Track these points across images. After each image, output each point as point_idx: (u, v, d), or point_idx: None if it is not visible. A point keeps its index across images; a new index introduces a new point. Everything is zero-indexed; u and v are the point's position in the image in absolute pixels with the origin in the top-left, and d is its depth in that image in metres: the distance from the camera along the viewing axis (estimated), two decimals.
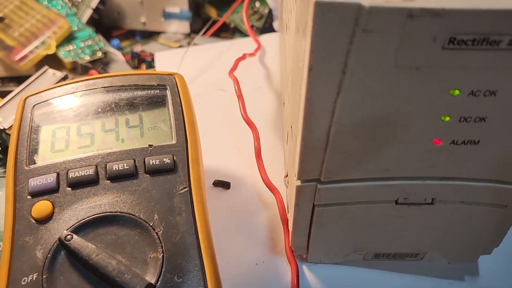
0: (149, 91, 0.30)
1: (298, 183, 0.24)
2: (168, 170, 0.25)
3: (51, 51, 0.53)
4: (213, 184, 0.32)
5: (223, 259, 0.28)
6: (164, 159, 0.26)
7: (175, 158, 0.26)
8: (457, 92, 0.20)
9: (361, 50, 0.18)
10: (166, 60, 0.45)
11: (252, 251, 0.29)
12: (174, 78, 0.30)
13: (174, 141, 0.27)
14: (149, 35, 0.65)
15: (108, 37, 0.62)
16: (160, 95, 0.29)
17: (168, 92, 0.29)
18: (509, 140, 0.22)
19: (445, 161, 0.23)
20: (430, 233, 0.27)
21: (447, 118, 0.21)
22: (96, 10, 0.59)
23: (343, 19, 0.18)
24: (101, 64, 0.56)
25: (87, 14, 0.60)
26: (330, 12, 0.18)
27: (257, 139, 0.31)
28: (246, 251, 0.29)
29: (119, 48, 0.62)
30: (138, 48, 0.61)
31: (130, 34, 0.67)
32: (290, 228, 0.27)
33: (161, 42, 0.63)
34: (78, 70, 0.55)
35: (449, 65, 0.19)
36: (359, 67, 0.19)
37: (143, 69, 0.57)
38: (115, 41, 0.62)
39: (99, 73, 0.55)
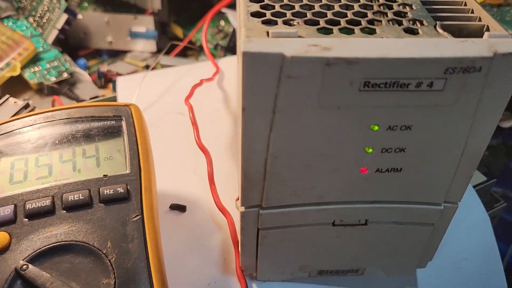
0: (105, 122, 0.31)
1: (242, 209, 0.26)
2: (121, 199, 0.27)
3: (16, 72, 0.53)
4: (170, 207, 0.34)
5: (177, 280, 0.30)
6: (118, 189, 0.27)
7: (128, 187, 0.28)
8: (376, 127, 0.22)
9: (288, 93, 0.21)
10: (127, 84, 0.46)
11: (205, 271, 0.30)
12: (130, 109, 0.32)
13: (128, 171, 0.28)
14: (116, 54, 0.66)
15: (74, 57, 0.63)
16: (115, 126, 0.31)
17: (124, 123, 0.31)
18: (427, 167, 0.24)
19: (373, 187, 0.25)
20: (367, 250, 0.29)
21: (370, 150, 0.23)
22: (62, 30, 0.60)
23: (269, 67, 0.20)
24: (68, 84, 0.57)
25: (52, 34, 0.60)
26: (258, 61, 0.20)
27: (210, 164, 0.33)
28: (199, 272, 0.30)
29: (86, 68, 0.62)
30: (104, 67, 0.62)
31: (97, 53, 0.68)
32: (240, 250, 0.28)
33: (127, 61, 0.65)
34: (44, 91, 0.55)
35: (366, 105, 0.21)
36: (287, 107, 0.21)
37: (110, 88, 0.58)
38: (82, 61, 0.63)
39: (65, 94, 0.55)
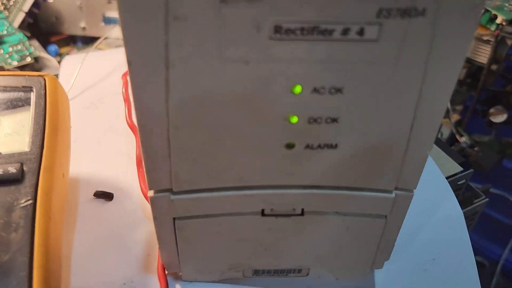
0: (12, 94, 0.27)
1: (151, 193, 0.21)
2: (12, 181, 0.23)
3: None
4: (94, 195, 0.30)
5: (88, 278, 0.25)
6: (9, 168, 0.23)
7: (24, 168, 0.23)
8: (298, 89, 0.17)
9: (179, 41, 0.16)
10: (73, 62, 0.42)
11: (123, 269, 0.26)
12: (44, 79, 0.27)
13: (27, 149, 0.24)
14: (91, 41, 0.63)
15: (46, 43, 0.59)
16: (23, 97, 0.27)
17: (33, 95, 0.27)
18: (368, 144, 0.19)
19: (304, 168, 0.20)
20: (307, 246, 0.24)
21: (295, 119, 0.18)
22: (30, 13, 0.56)
23: (151, 5, 0.15)
24: (31, 69, 0.53)
25: (19, 17, 0.56)
26: None
27: (139, 145, 0.28)
28: (116, 269, 0.26)
29: (57, 54, 0.59)
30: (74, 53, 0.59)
31: (71, 40, 0.64)
32: (158, 244, 0.24)
33: (101, 48, 0.61)
34: None
35: (280, 58, 0.17)
36: (181, 60, 0.17)
37: None
38: (53, 47, 0.59)
39: None
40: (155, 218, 0.22)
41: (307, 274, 0.26)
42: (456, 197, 0.33)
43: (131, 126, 0.30)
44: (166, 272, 0.26)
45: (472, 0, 0.15)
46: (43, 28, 0.63)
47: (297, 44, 0.16)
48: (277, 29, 0.16)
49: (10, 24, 0.56)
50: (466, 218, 0.34)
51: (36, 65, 0.53)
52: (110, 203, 0.30)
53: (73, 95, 0.39)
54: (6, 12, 0.57)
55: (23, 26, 0.56)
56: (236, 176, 0.20)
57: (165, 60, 0.17)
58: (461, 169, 0.34)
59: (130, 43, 0.16)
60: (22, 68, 0.52)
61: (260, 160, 0.20)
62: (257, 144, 0.19)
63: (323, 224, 0.23)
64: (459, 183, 0.34)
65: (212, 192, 0.21)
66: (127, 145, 0.33)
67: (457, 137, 0.59)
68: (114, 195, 0.30)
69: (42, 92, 0.27)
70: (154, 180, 0.21)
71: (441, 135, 0.60)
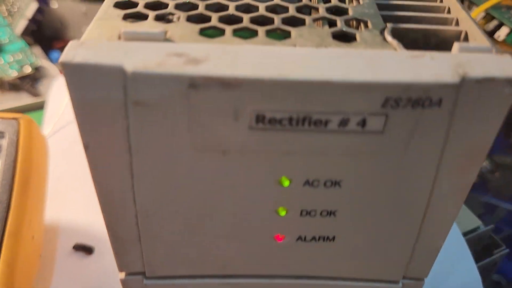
0: None
1: (122, 276, 0.19)
2: None
3: None
4: (73, 248, 0.27)
5: None
6: None
7: None
8: (286, 182, 0.14)
9: (141, 127, 0.13)
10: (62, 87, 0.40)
11: None
12: (18, 123, 0.25)
13: None
14: None
15: (49, 48, 0.58)
16: None
17: (5, 142, 0.24)
18: (372, 237, 0.16)
19: (297, 259, 0.17)
20: None
21: (283, 212, 0.15)
22: (33, 20, 0.54)
23: (107, 87, 0.12)
24: (30, 80, 0.51)
25: (21, 24, 0.54)
26: (87, 78, 0.12)
27: None
28: None
29: None
30: None
31: None
32: None
33: None
34: (6, 87, 0.50)
35: (265, 149, 0.14)
36: (146, 148, 0.14)
37: None
38: (56, 53, 0.57)
39: (27, 91, 0.50)
40: None
41: None
42: (474, 247, 0.30)
43: None
44: None
45: (499, 88, 0.12)
46: (47, 34, 0.61)
47: (284, 135, 0.13)
48: (260, 118, 0.13)
49: (13, 31, 0.54)
50: (483, 270, 0.31)
51: (37, 74, 0.50)
52: (90, 258, 0.27)
53: (63, 124, 0.36)
54: (10, 19, 0.55)
55: (26, 32, 0.53)
56: (218, 265, 0.18)
57: (128, 145, 0.14)
58: (480, 223, 0.30)
59: (84, 123, 0.14)
60: (21, 78, 0.50)
61: (246, 251, 0.17)
62: (240, 235, 0.16)
63: None
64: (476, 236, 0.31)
65: (191, 280, 0.18)
66: None
67: None
68: (96, 248, 0.27)
69: (15, 139, 0.24)
70: (124, 263, 0.18)
71: None
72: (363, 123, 0.13)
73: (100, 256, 0.27)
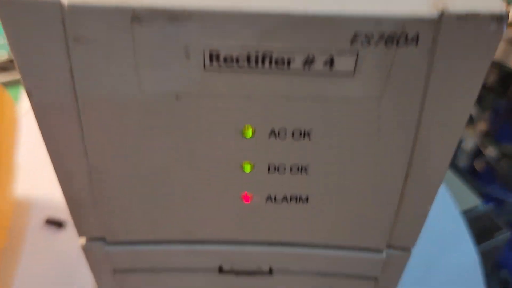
0: None
1: (83, 241, 0.17)
2: None
3: None
4: (45, 222, 0.26)
5: None
6: None
7: None
8: (249, 132, 0.13)
9: (85, 68, 0.12)
10: None
11: None
12: None
13: None
14: None
15: None
16: None
17: None
18: (350, 197, 0.15)
19: (266, 224, 0.16)
20: None
21: (248, 168, 0.14)
22: None
23: (44, 22, 0.11)
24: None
25: None
26: (21, 13, 0.11)
27: None
28: None
29: None
30: None
31: None
32: None
33: None
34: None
35: (222, 93, 0.12)
36: (93, 93, 0.12)
37: None
38: None
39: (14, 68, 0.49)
40: (92, 268, 0.19)
41: None
42: (474, 229, 0.28)
43: None
44: None
45: (484, 25, 0.11)
46: None
47: (242, 76, 0.12)
48: (213, 57, 0.11)
49: None
50: (484, 255, 0.29)
51: None
52: (62, 232, 0.26)
53: None
54: None
55: None
56: (182, 229, 0.16)
57: (73, 89, 0.12)
58: (479, 202, 0.29)
59: (25, 67, 0.12)
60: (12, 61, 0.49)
61: (210, 213, 0.16)
62: (204, 195, 0.15)
63: (298, 285, 0.19)
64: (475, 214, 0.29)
65: (155, 246, 0.17)
66: None
67: (482, 149, 0.53)
68: (68, 222, 0.26)
69: None
70: (83, 227, 0.17)
71: (462, 144, 0.55)
72: (330, 62, 0.12)
73: (72, 230, 0.26)
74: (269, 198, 0.15)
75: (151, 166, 0.14)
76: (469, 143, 0.55)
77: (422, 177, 0.14)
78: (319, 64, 0.11)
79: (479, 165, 0.52)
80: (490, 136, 0.54)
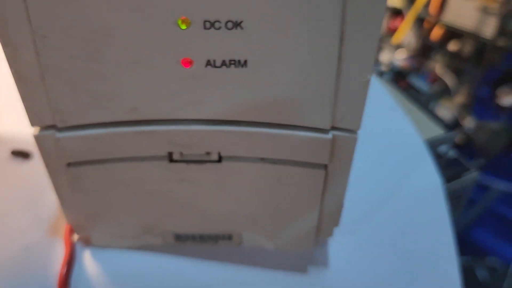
0: None
1: (36, 131, 0.18)
2: None
3: None
4: (11, 153, 0.26)
5: None
6: None
7: None
8: None
9: None
10: None
11: (29, 232, 0.22)
12: None
13: None
14: None
15: None
16: None
17: None
18: (285, 58, 0.15)
19: (209, 95, 0.16)
20: (232, 204, 0.20)
21: (183, 25, 0.14)
22: None
23: None
24: None
25: None
26: None
27: None
28: (21, 232, 0.22)
29: None
30: None
31: None
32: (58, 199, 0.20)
33: None
34: None
35: None
36: None
37: None
38: None
39: None
40: (46, 165, 0.19)
41: (241, 242, 0.22)
42: (442, 170, 0.29)
43: None
44: (75, 236, 0.22)
45: None
46: None
47: None
48: None
49: None
50: (452, 195, 0.30)
51: None
52: (27, 162, 0.26)
53: None
54: None
55: None
56: (128, 106, 0.17)
57: None
58: (442, 131, 0.29)
59: None
60: None
61: (152, 81, 0.16)
62: (144, 58, 0.15)
63: (247, 174, 0.19)
64: (440, 149, 0.29)
65: (104, 128, 0.17)
66: None
67: (460, 120, 0.53)
68: (33, 154, 0.26)
69: None
70: (33, 111, 0.17)
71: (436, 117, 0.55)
72: None
73: (37, 160, 0.26)
74: (208, 63, 0.15)
75: (91, 26, 0.14)
76: (447, 116, 0.56)
77: (356, 37, 0.15)
78: None
79: (457, 137, 0.53)
80: (468, 108, 0.55)
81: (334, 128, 0.17)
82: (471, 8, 0.50)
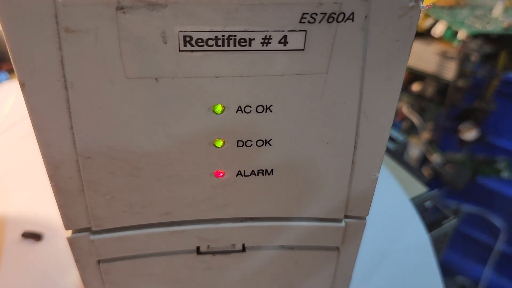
0: None
1: (69, 234, 0.19)
2: None
3: None
4: (22, 235, 0.27)
5: None
6: None
7: None
8: (219, 108, 0.15)
9: (75, 57, 0.14)
10: (9, 90, 0.39)
11: None
12: None
13: None
14: None
15: None
16: None
17: None
18: (307, 167, 0.17)
19: (238, 199, 0.18)
20: (253, 286, 0.22)
21: (220, 143, 0.16)
22: None
23: (37, 15, 0.13)
24: None
25: None
26: (19, 6, 0.13)
27: None
28: None
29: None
30: None
31: None
32: None
33: None
34: None
35: (196, 74, 0.14)
36: (81, 80, 0.14)
37: None
38: (3, 74, 0.58)
39: None
40: (77, 261, 0.20)
41: None
42: (424, 219, 0.31)
43: None
44: None
45: (405, 2, 0.14)
46: None
47: (212, 56, 0.14)
48: (187, 39, 0.14)
49: None
50: (435, 240, 0.32)
51: None
52: (39, 244, 0.27)
53: (8, 125, 0.36)
54: None
55: None
56: (162, 211, 0.18)
57: (63, 79, 0.14)
58: (425, 189, 0.32)
59: (20, 61, 0.14)
60: None
61: (186, 191, 0.17)
62: (180, 172, 0.17)
63: (268, 260, 0.20)
64: (425, 204, 0.32)
65: (137, 230, 0.19)
66: None
67: (428, 156, 0.57)
68: (45, 235, 0.27)
69: None
70: (70, 218, 0.18)
71: (407, 154, 0.59)
72: (284, 40, 0.14)
73: (49, 242, 0.27)
74: (239, 173, 0.17)
75: (132, 149, 0.16)
76: (416, 152, 0.59)
77: (368, 144, 0.17)
78: (275, 42, 0.14)
79: (426, 172, 0.56)
80: (434, 144, 0.59)
81: (346, 216, 0.19)
82: (432, 53, 0.54)
